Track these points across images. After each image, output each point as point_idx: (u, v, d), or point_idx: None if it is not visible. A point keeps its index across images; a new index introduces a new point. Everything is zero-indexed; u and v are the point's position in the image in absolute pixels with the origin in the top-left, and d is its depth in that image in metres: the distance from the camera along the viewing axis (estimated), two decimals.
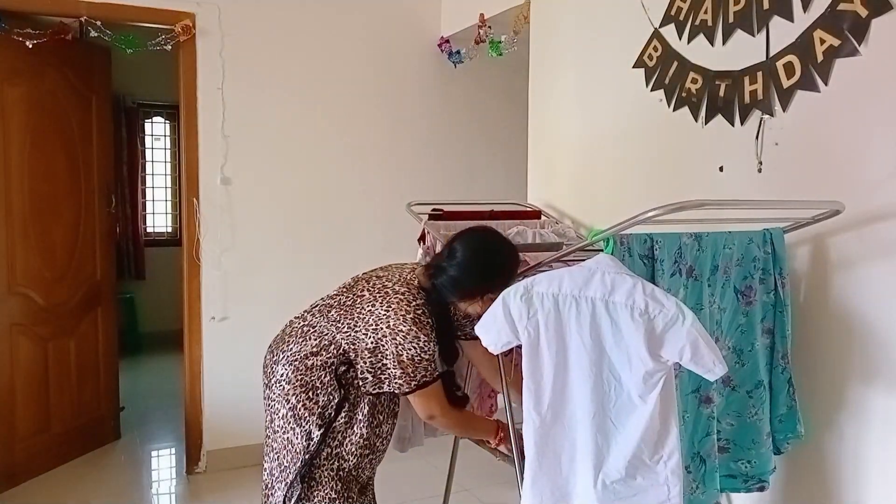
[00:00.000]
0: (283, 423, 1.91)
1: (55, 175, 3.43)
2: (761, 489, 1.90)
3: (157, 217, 6.26)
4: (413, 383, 1.82)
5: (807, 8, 1.86)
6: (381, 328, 1.83)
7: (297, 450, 1.89)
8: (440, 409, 1.88)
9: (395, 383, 1.83)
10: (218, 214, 3.48)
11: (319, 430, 1.88)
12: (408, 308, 1.83)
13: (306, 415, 1.88)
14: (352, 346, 1.88)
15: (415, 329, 1.81)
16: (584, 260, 1.62)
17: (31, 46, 3.11)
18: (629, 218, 1.55)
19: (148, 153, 6.11)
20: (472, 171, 4.07)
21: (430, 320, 1.86)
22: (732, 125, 2.10)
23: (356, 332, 1.87)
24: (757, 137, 2.02)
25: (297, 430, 1.88)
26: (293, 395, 1.89)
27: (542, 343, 1.56)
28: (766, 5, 1.98)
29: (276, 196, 3.60)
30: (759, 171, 2.02)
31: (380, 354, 1.84)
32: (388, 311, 1.84)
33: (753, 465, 1.88)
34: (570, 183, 2.88)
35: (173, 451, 3.82)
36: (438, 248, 2.35)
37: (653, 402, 1.49)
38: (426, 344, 1.82)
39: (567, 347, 1.56)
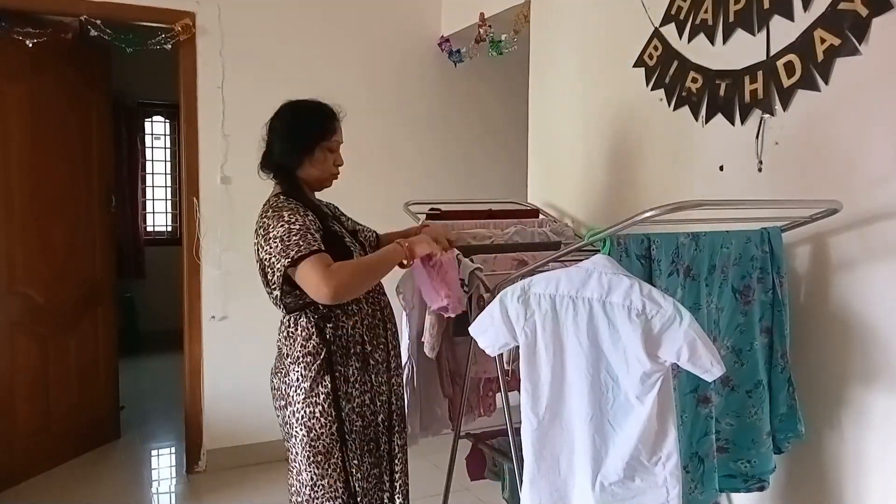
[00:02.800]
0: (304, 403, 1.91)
1: (55, 175, 3.43)
2: (761, 489, 1.90)
3: (157, 217, 6.26)
4: (288, 258, 1.74)
5: (807, 7, 1.86)
6: (259, 233, 1.85)
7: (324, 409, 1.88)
8: (321, 274, 1.72)
9: (276, 268, 1.76)
10: (218, 214, 3.48)
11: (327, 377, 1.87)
12: (269, 209, 1.85)
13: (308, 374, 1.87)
14: (263, 272, 1.86)
15: (275, 216, 1.81)
16: (581, 260, 1.62)
17: (31, 46, 3.11)
18: (626, 218, 1.54)
19: (148, 153, 6.12)
20: (472, 170, 4.06)
21: (291, 205, 1.83)
22: (733, 124, 2.09)
23: (260, 256, 1.85)
24: (757, 137, 2.01)
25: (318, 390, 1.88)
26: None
27: (539, 344, 1.56)
28: (766, 4, 1.97)
29: None
30: (760, 170, 2.01)
31: (266, 266, 1.81)
32: (259, 221, 1.87)
33: (753, 464, 1.87)
34: (569, 182, 2.88)
35: (173, 450, 3.82)
36: None
37: (650, 403, 1.49)
38: (291, 219, 1.79)
39: (564, 349, 1.56)
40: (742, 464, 1.87)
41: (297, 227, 1.78)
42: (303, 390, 1.87)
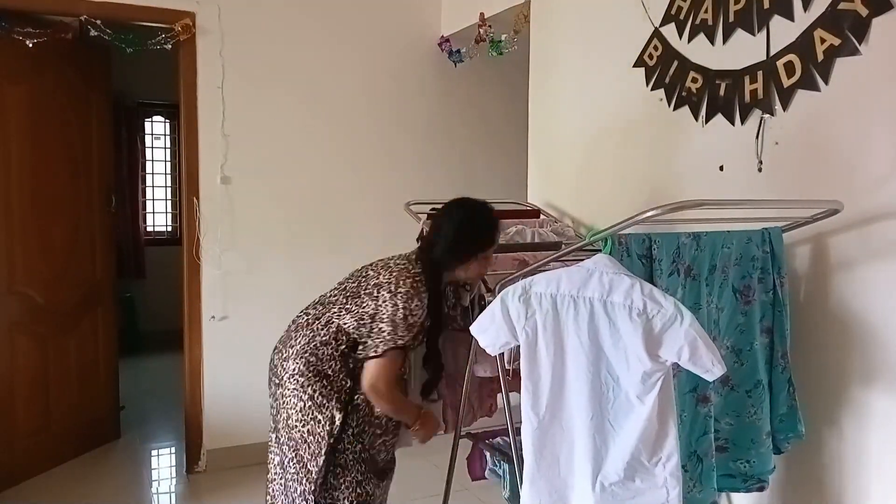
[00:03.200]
0: (302, 415, 1.96)
1: (55, 175, 3.43)
2: (761, 489, 1.90)
3: (157, 217, 6.26)
4: (392, 343, 1.90)
5: (807, 7, 1.86)
6: (383, 294, 1.94)
7: (321, 436, 1.94)
8: (386, 381, 1.92)
9: (379, 338, 1.91)
10: (218, 214, 3.48)
11: (340, 413, 1.95)
12: (408, 274, 1.96)
13: (325, 402, 1.94)
14: (358, 323, 1.97)
15: (412, 291, 1.93)
16: (582, 260, 1.62)
17: (31, 46, 3.11)
18: (627, 218, 1.55)
19: (148, 153, 6.11)
20: (472, 170, 4.06)
21: (426, 287, 1.96)
22: (733, 124, 2.09)
23: (362, 308, 1.96)
24: (757, 137, 2.02)
25: (320, 416, 1.94)
26: (309, 385, 1.96)
27: (539, 344, 1.56)
28: (766, 4, 1.97)
29: (276, 196, 3.60)
30: (760, 170, 2.01)
31: (377, 317, 1.93)
32: (389, 278, 1.96)
33: (753, 464, 1.87)
34: (570, 182, 2.88)
35: (173, 450, 3.82)
36: None
37: (651, 403, 1.49)
38: (418, 308, 1.93)
39: (565, 348, 1.56)
40: (741, 464, 1.87)
41: (414, 320, 1.93)
42: (298, 383, 1.98)
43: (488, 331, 1.63)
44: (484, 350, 1.70)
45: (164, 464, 3.77)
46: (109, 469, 3.53)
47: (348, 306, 1.99)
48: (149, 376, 5.07)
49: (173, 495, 3.40)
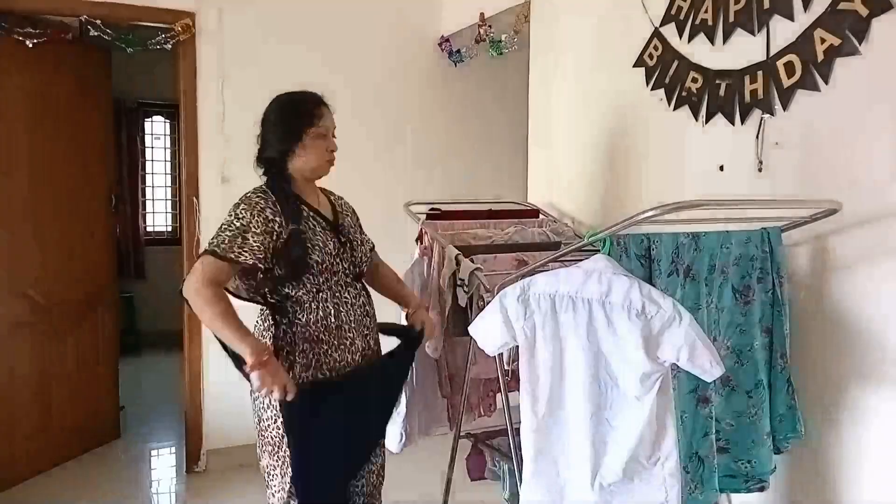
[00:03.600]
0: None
1: (55, 175, 3.43)
2: (761, 489, 1.90)
3: (157, 217, 6.26)
4: (210, 245, 1.80)
5: (807, 7, 1.86)
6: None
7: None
8: (199, 280, 1.75)
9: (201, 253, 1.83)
10: (218, 214, 3.45)
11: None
12: (242, 198, 1.90)
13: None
14: None
15: (235, 203, 1.87)
16: (581, 260, 1.62)
17: (31, 46, 3.11)
18: (626, 218, 1.54)
19: (148, 153, 6.11)
20: (472, 170, 4.06)
21: (253, 201, 1.87)
22: (733, 124, 2.09)
23: None
24: (757, 137, 2.01)
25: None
26: None
27: (538, 344, 1.56)
28: (766, 4, 1.97)
29: None
30: (760, 170, 2.01)
31: None
32: None
33: (753, 465, 1.87)
34: (569, 182, 2.87)
35: (173, 450, 3.82)
36: (436, 248, 2.35)
37: (649, 403, 1.49)
38: (241, 214, 1.83)
39: (564, 348, 1.56)
40: (742, 464, 1.87)
41: (238, 224, 1.82)
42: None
43: (487, 331, 1.63)
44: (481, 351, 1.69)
45: (164, 464, 3.77)
46: (109, 469, 3.53)
47: None
48: (149, 376, 5.07)
49: (173, 495, 3.40)
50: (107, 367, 3.77)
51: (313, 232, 1.91)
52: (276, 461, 1.90)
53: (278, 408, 1.84)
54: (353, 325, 1.94)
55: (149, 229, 6.18)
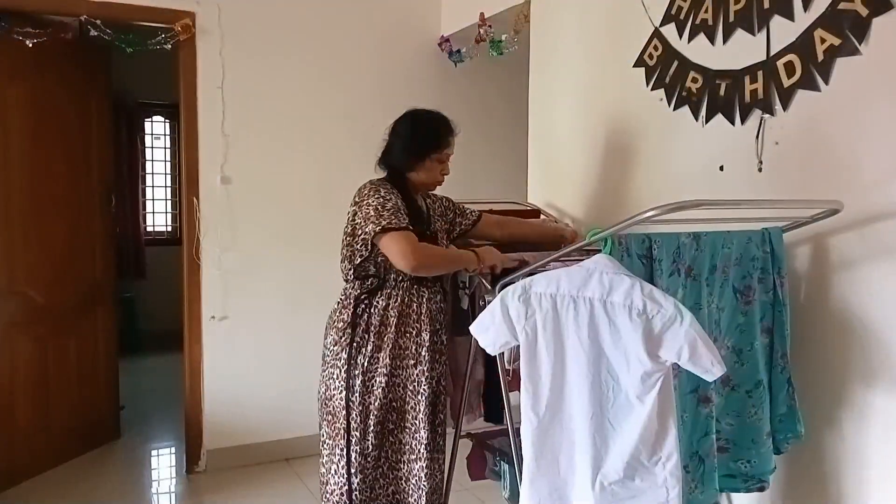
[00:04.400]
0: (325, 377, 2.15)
1: (55, 175, 3.43)
2: (761, 489, 1.90)
3: (157, 217, 6.26)
4: (379, 226, 1.97)
5: (807, 7, 1.86)
6: (353, 210, 2.09)
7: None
8: (412, 246, 1.96)
9: (366, 230, 2.00)
10: (218, 214, 3.48)
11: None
12: (369, 184, 2.10)
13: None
14: (349, 245, 2.11)
15: (374, 190, 2.06)
16: (582, 260, 1.62)
17: (31, 46, 3.11)
18: (627, 218, 1.55)
19: (148, 153, 6.12)
20: (472, 170, 4.04)
21: (390, 188, 2.08)
22: (733, 124, 2.09)
23: (345, 237, 2.11)
24: (757, 137, 2.02)
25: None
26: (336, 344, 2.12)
27: (539, 343, 1.56)
28: (766, 4, 1.97)
29: (276, 196, 3.60)
30: (760, 170, 2.01)
31: (358, 226, 2.05)
32: (352, 201, 2.12)
33: (753, 464, 1.87)
34: (570, 182, 2.88)
35: (173, 450, 3.82)
36: None
37: (651, 403, 1.49)
38: (387, 196, 2.03)
39: (565, 348, 1.56)
40: (742, 464, 1.87)
41: (391, 204, 2.02)
42: (330, 352, 2.12)
43: (488, 330, 1.63)
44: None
45: (164, 464, 3.77)
46: (109, 469, 3.53)
47: (341, 252, 2.13)
48: (149, 376, 5.07)
49: (173, 495, 3.40)
50: (107, 367, 3.78)
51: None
52: (333, 431, 2.08)
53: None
54: (423, 317, 2.11)
55: (149, 229, 6.18)
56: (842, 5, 1.77)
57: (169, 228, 6.26)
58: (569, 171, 2.88)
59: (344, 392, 2.05)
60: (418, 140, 2.16)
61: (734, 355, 1.84)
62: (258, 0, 3.51)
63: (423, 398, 2.10)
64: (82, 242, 3.59)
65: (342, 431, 2.05)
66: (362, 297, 2.09)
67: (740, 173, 2.07)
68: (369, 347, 2.06)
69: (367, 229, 2.00)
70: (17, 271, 3.26)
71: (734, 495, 2.07)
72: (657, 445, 1.52)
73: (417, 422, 2.11)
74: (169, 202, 6.24)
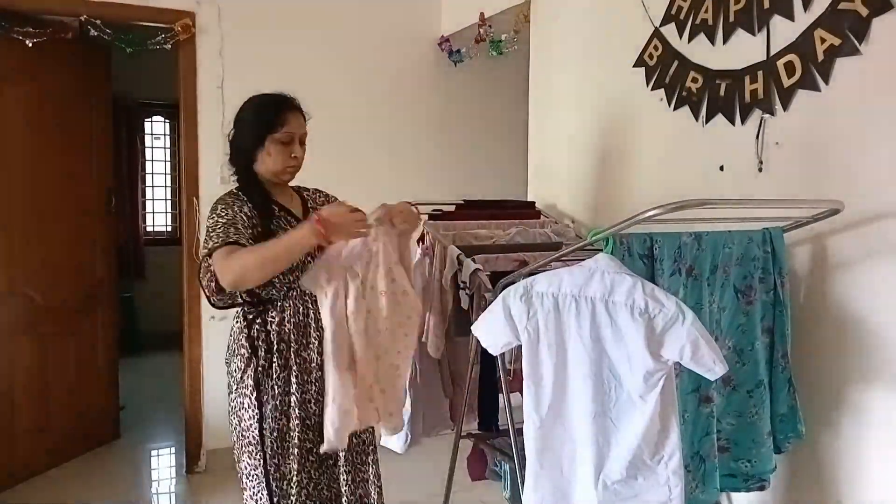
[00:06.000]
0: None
1: (55, 175, 3.42)
2: (761, 488, 1.90)
3: (157, 217, 6.26)
4: (205, 250, 1.80)
5: (807, 7, 1.86)
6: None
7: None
8: (223, 262, 1.73)
9: (202, 254, 1.84)
10: None
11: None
12: (214, 205, 1.89)
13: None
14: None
15: (211, 210, 1.86)
16: (584, 260, 1.62)
17: (30, 45, 3.11)
18: (629, 217, 1.55)
19: (148, 153, 6.11)
20: (472, 170, 4.06)
21: (229, 200, 1.88)
22: (733, 124, 2.10)
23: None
24: (757, 137, 2.02)
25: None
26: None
27: (541, 343, 1.56)
28: (766, 4, 1.98)
29: None
30: (760, 170, 2.01)
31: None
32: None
33: (754, 464, 1.87)
34: (570, 182, 2.88)
35: (173, 450, 3.82)
36: (438, 248, 2.35)
37: (653, 402, 1.49)
38: (222, 213, 1.83)
39: (567, 347, 1.56)
40: (743, 463, 1.87)
41: (224, 220, 1.82)
42: (235, 381, 1.92)
43: (490, 331, 1.63)
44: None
45: (163, 464, 3.77)
46: (109, 469, 3.53)
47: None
48: (149, 376, 5.06)
49: (173, 495, 3.40)
50: (107, 367, 3.77)
51: (283, 231, 1.88)
52: (256, 462, 1.90)
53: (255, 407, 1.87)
54: (321, 323, 1.88)
55: (149, 229, 6.17)
56: (842, 5, 1.77)
57: (169, 228, 6.26)
58: (569, 171, 2.88)
59: (257, 419, 1.86)
60: (251, 124, 1.93)
61: (735, 355, 1.84)
62: (258, 0, 3.50)
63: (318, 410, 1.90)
64: (82, 243, 3.59)
65: (261, 462, 1.89)
66: (255, 317, 1.91)
67: (740, 173, 2.07)
68: (274, 367, 1.87)
69: (202, 256, 1.86)
70: (17, 272, 3.25)
71: (735, 494, 2.07)
72: (659, 444, 1.52)
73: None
74: (169, 202, 6.24)
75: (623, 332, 1.51)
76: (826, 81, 1.83)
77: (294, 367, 1.89)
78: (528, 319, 1.56)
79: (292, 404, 1.88)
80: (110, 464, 3.59)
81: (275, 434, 1.87)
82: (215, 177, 3.46)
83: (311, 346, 1.91)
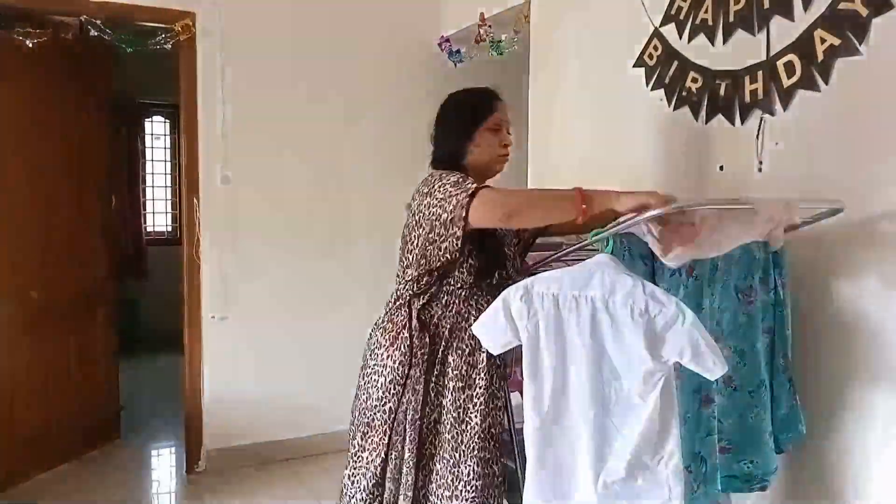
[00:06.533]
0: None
1: (55, 175, 3.43)
2: (763, 489, 1.90)
3: (157, 217, 6.26)
4: (465, 193, 1.69)
5: (807, 7, 1.86)
6: (418, 200, 1.83)
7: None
8: (501, 195, 1.70)
9: (452, 209, 1.70)
10: (218, 214, 3.48)
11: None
12: (431, 174, 1.86)
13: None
14: (422, 242, 1.81)
15: (437, 175, 1.81)
16: (584, 260, 1.62)
17: (31, 46, 3.11)
18: (629, 217, 1.55)
19: (148, 153, 6.11)
20: None
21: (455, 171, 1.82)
22: (733, 124, 2.10)
23: (410, 234, 1.85)
24: (757, 137, 2.02)
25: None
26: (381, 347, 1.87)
27: (541, 343, 1.56)
28: (766, 4, 1.98)
29: (276, 196, 3.60)
30: (760, 170, 2.01)
31: (433, 222, 1.75)
32: (420, 189, 1.86)
33: (755, 465, 1.87)
34: (570, 183, 2.85)
35: (173, 451, 3.82)
36: None
37: (653, 402, 1.49)
38: (449, 175, 1.77)
39: (567, 348, 1.56)
40: (744, 464, 1.87)
41: (456, 176, 1.77)
42: (376, 357, 1.88)
43: (491, 330, 1.63)
44: None
45: (164, 464, 3.77)
46: (109, 469, 3.53)
47: (401, 255, 1.88)
48: (149, 376, 5.07)
49: (173, 495, 3.40)
50: (107, 368, 3.78)
51: (479, 239, 1.84)
52: (367, 443, 1.85)
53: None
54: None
55: (149, 229, 6.18)
56: (842, 5, 1.77)
57: (169, 228, 6.26)
58: (569, 172, 2.88)
59: (389, 403, 1.81)
60: (461, 116, 1.92)
61: (736, 356, 1.84)
62: (259, 0, 3.51)
63: (470, 429, 1.80)
64: (82, 242, 3.59)
65: (380, 446, 1.82)
66: (417, 302, 1.84)
67: (740, 173, 2.07)
68: (420, 358, 1.81)
69: (455, 204, 1.69)
70: (17, 272, 3.26)
71: (735, 495, 2.07)
72: (659, 444, 1.52)
73: (458, 455, 1.80)
74: (169, 202, 6.24)
75: (623, 333, 1.51)
76: (826, 81, 1.83)
77: (437, 367, 1.83)
78: (529, 319, 1.56)
79: (420, 402, 1.81)
80: (110, 464, 3.60)
81: (403, 424, 1.81)
82: (215, 177, 3.47)
83: (461, 352, 1.83)
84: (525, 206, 1.74)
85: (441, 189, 1.76)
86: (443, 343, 1.84)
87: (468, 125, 1.90)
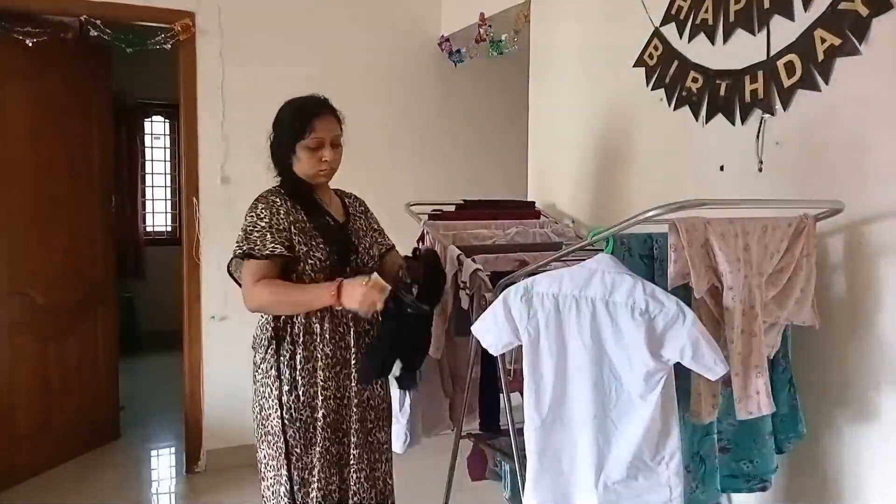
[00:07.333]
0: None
1: (55, 175, 3.43)
2: (763, 489, 1.90)
3: (157, 217, 6.25)
4: (240, 250, 1.88)
5: (807, 7, 1.86)
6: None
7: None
8: (250, 285, 1.86)
9: (234, 252, 1.92)
10: (218, 214, 3.48)
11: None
12: (255, 200, 1.96)
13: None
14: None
15: (252, 208, 1.93)
16: (584, 260, 1.62)
17: (31, 46, 3.11)
18: (629, 217, 1.55)
19: (148, 153, 6.11)
20: (472, 170, 4.06)
21: (270, 200, 1.93)
22: (733, 124, 2.10)
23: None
24: (757, 137, 2.02)
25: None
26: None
27: (542, 343, 1.56)
28: (766, 4, 1.98)
29: None
30: (760, 170, 2.01)
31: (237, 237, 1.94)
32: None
33: (755, 464, 1.87)
34: (570, 183, 2.88)
35: (173, 450, 3.82)
36: (438, 249, 2.35)
37: (654, 402, 1.49)
38: (262, 215, 1.90)
39: (567, 348, 1.56)
40: (744, 464, 1.87)
41: (263, 223, 1.89)
42: (259, 369, 1.97)
43: (490, 331, 1.63)
44: None
45: (163, 464, 3.77)
46: (109, 469, 3.53)
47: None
48: (149, 376, 5.07)
49: (173, 495, 3.40)
50: (107, 367, 3.77)
51: (321, 230, 1.95)
52: (275, 451, 1.91)
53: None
54: (348, 321, 1.95)
55: (149, 229, 6.17)
56: (842, 5, 1.77)
57: (169, 228, 6.26)
58: (569, 171, 2.88)
59: (278, 410, 1.89)
60: (283, 130, 1.98)
61: None
62: (258, 0, 3.50)
63: (356, 408, 1.95)
64: (82, 243, 3.59)
65: (282, 452, 1.90)
66: None
67: (740, 173, 2.08)
68: (298, 359, 1.90)
69: (234, 251, 1.93)
70: (17, 272, 3.26)
71: (735, 495, 2.07)
72: (660, 445, 1.52)
73: (354, 434, 1.96)
74: (169, 202, 6.24)
75: (623, 333, 1.51)
76: (826, 81, 1.83)
77: (320, 361, 1.92)
78: (529, 319, 1.56)
79: (318, 397, 1.91)
80: (110, 464, 3.60)
81: (297, 425, 1.90)
82: (215, 177, 3.46)
83: (335, 342, 1.94)
84: (271, 305, 1.90)
85: (248, 226, 1.92)
86: (318, 338, 1.95)
87: (289, 139, 1.97)
